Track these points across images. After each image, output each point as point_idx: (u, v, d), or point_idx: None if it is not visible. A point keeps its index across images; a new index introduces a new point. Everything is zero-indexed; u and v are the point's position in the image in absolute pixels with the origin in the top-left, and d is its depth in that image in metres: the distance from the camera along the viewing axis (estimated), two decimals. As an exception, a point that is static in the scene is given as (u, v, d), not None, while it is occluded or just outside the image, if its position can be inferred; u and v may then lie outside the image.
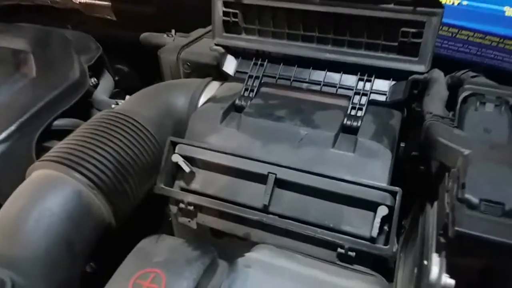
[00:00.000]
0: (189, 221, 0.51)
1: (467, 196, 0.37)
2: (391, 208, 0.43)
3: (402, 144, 0.62)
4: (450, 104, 0.54)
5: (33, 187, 0.46)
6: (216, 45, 0.59)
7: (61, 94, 0.62)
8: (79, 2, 1.03)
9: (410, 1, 0.47)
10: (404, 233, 0.59)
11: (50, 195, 0.45)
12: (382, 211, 0.43)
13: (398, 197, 0.43)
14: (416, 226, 0.54)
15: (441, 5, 0.46)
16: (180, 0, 0.88)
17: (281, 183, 0.46)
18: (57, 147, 0.50)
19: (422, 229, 0.49)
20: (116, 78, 1.10)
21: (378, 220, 0.43)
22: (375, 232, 0.42)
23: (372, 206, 0.43)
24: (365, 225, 0.44)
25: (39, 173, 0.47)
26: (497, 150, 0.42)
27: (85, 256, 0.47)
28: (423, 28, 0.48)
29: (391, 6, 0.48)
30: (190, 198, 0.49)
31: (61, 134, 0.58)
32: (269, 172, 0.46)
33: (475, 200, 0.37)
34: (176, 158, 0.50)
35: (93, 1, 1.02)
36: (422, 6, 0.47)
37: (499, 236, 0.34)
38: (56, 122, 0.61)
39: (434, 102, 0.51)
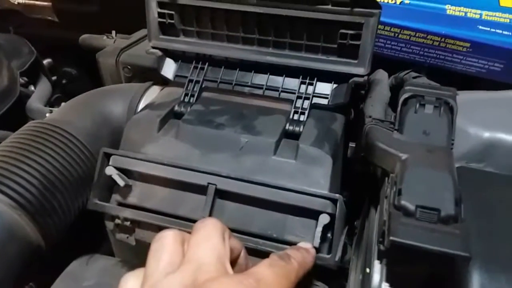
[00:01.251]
0: (127, 237, 0.48)
1: (403, 202, 0.36)
2: (332, 216, 0.42)
3: (352, 144, 0.62)
4: (394, 105, 0.54)
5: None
6: (153, 48, 0.56)
7: (-14, 104, 0.57)
8: (17, 3, 0.97)
9: (347, 2, 0.45)
10: (356, 235, 0.58)
11: (-35, 218, 0.41)
12: (324, 219, 0.41)
13: (339, 205, 0.41)
14: (364, 230, 0.54)
15: (378, 6, 0.45)
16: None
17: (221, 194, 0.45)
18: (-24, 164, 0.46)
19: (367, 235, 0.49)
20: (64, 81, 1.05)
21: (319, 229, 0.41)
22: (316, 242, 0.41)
23: (314, 215, 0.42)
24: (308, 234, 0.43)
25: (-45, 194, 0.43)
26: (434, 153, 0.42)
27: (12, 282, 0.44)
28: (361, 30, 0.47)
29: (329, 7, 0.46)
30: (127, 213, 0.47)
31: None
32: (208, 183, 0.44)
33: (411, 207, 0.36)
34: (110, 171, 0.47)
35: (33, 2, 0.96)
36: (359, 7, 0.45)
37: (433, 244, 0.33)
38: (-19, 135, 0.57)
39: (375, 105, 0.50)
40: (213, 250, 0.32)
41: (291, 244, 0.43)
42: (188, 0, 0.52)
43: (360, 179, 0.58)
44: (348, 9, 0.46)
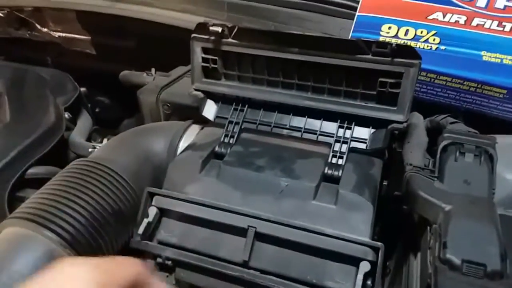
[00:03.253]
0: (167, 276, 0.49)
1: (449, 256, 0.37)
2: (373, 263, 0.42)
3: (385, 183, 0.62)
4: (430, 148, 0.54)
5: (2, 248, 0.44)
6: (196, 90, 0.58)
7: (35, 141, 0.60)
8: (58, 36, 1.01)
9: (388, 53, 0.47)
10: (389, 276, 0.58)
11: (20, 256, 0.43)
12: (365, 267, 0.42)
13: (380, 253, 0.42)
14: (399, 272, 0.54)
15: (418, 57, 0.46)
16: (159, 34, 0.87)
17: (261, 237, 0.45)
18: (28, 202, 0.48)
19: (406, 281, 0.48)
20: (97, 109, 1.09)
21: (360, 277, 0.42)
22: None
23: (354, 261, 0.42)
24: (348, 280, 0.43)
25: (8, 231, 0.45)
26: (477, 204, 0.42)
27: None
28: (401, 79, 0.48)
29: (369, 57, 0.48)
30: (168, 252, 0.48)
31: (36, 182, 0.56)
32: (249, 226, 0.45)
33: (457, 261, 0.37)
34: (152, 211, 0.48)
35: (73, 35, 1.01)
36: (399, 57, 0.47)
37: (484, 303, 0.33)
38: (30, 171, 0.59)
39: (414, 151, 0.50)
40: None
41: None
42: (231, 47, 0.54)
43: (393, 217, 0.58)
44: (389, 59, 0.47)
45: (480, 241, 0.38)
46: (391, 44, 0.46)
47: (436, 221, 0.42)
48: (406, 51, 0.46)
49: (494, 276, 0.36)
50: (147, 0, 0.86)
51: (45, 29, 1.00)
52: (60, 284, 0.27)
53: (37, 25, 1.00)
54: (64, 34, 1.02)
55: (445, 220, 0.40)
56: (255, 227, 0.45)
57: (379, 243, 0.42)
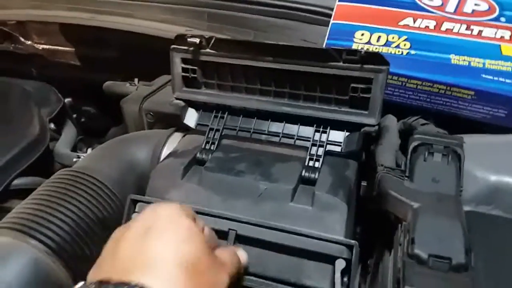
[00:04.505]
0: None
1: (416, 251, 0.39)
2: (348, 261, 0.44)
3: (364, 183, 0.64)
4: (404, 149, 0.56)
5: (-12, 257, 0.45)
6: (177, 99, 0.60)
7: (20, 152, 0.61)
8: (42, 48, 1.02)
9: (357, 59, 0.49)
10: (370, 275, 0.60)
11: (5, 265, 0.44)
12: (340, 264, 0.43)
13: (355, 251, 0.44)
14: (378, 269, 0.56)
15: (386, 63, 0.49)
16: (142, 44, 0.89)
17: (242, 239, 0.47)
18: (13, 212, 0.49)
19: (381, 279, 0.51)
20: (83, 119, 1.10)
21: (338, 274, 0.43)
22: (338, 287, 0.43)
23: (330, 260, 0.44)
24: (325, 278, 0.45)
25: (-6, 241, 0.46)
26: (444, 202, 0.44)
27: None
28: (371, 84, 0.50)
29: (340, 64, 0.50)
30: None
31: (21, 192, 0.57)
32: (229, 229, 0.47)
33: (424, 255, 0.39)
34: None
35: (56, 47, 1.02)
36: (368, 64, 0.49)
37: (445, 293, 0.35)
38: (15, 182, 0.60)
39: (386, 153, 0.53)
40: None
41: None
42: (210, 57, 0.56)
43: (372, 217, 0.61)
44: (358, 65, 0.50)
45: (445, 236, 0.40)
46: (360, 51, 0.49)
47: (406, 218, 0.44)
48: (375, 58, 0.49)
49: (459, 269, 0.38)
50: (127, 11, 0.88)
51: (29, 42, 1.01)
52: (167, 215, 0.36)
53: (20, 38, 1.01)
54: (47, 46, 1.03)
55: (414, 217, 0.42)
56: (236, 230, 0.46)
57: (353, 241, 0.44)
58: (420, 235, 0.40)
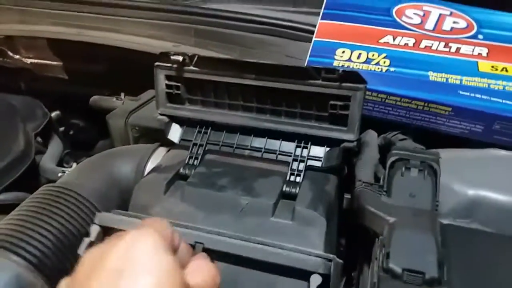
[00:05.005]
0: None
1: (391, 266, 0.40)
2: (325, 276, 0.41)
3: (348, 196, 0.65)
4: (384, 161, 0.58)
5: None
6: (161, 114, 0.61)
7: (4, 168, 0.61)
8: (30, 62, 1.03)
9: (336, 78, 0.50)
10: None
11: (-14, 282, 0.44)
12: (316, 280, 0.40)
13: (333, 266, 0.43)
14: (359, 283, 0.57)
15: (364, 81, 0.50)
16: (129, 59, 0.90)
17: (209, 253, 0.42)
18: (-5, 229, 0.49)
19: (360, 292, 0.51)
20: (71, 132, 1.10)
21: None
22: None
23: (305, 276, 0.41)
24: None
25: (-25, 258, 0.46)
26: (419, 217, 0.45)
27: None
28: (349, 101, 0.51)
29: (319, 82, 0.52)
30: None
31: (4, 208, 0.57)
32: (196, 242, 0.44)
33: (398, 270, 0.40)
34: (95, 229, 0.48)
35: (44, 61, 1.03)
36: (346, 82, 0.50)
37: (420, 307, 0.36)
38: (-2, 197, 0.61)
39: (364, 168, 0.54)
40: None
41: None
42: (193, 74, 0.57)
43: (356, 229, 0.61)
44: (337, 83, 0.51)
45: (419, 251, 0.41)
46: (338, 70, 0.50)
47: (382, 233, 0.45)
48: (352, 76, 0.50)
49: (432, 283, 0.39)
50: (114, 27, 0.89)
51: (17, 56, 1.02)
52: (135, 256, 0.30)
53: (9, 52, 1.01)
54: (35, 61, 1.03)
55: (389, 231, 0.43)
56: (203, 243, 0.43)
57: (331, 255, 0.43)
58: (395, 249, 0.41)
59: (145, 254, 0.30)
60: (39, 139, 0.74)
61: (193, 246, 0.43)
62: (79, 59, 0.97)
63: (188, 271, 0.34)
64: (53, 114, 0.96)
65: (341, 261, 0.43)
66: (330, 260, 0.42)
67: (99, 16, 0.93)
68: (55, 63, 1.02)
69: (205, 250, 0.43)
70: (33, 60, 1.03)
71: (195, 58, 0.56)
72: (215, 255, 0.43)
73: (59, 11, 0.95)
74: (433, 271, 0.39)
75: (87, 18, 0.94)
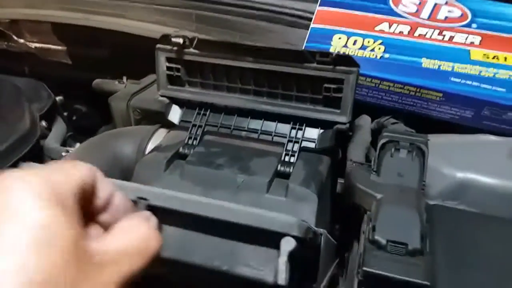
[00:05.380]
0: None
1: (376, 237, 0.42)
2: (299, 239, 0.34)
3: (341, 180, 0.68)
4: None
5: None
6: (162, 96, 0.63)
7: (10, 146, 0.64)
8: (35, 47, 1.05)
9: (329, 61, 0.53)
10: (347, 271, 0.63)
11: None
12: (287, 244, 0.33)
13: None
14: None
15: (356, 64, 0.52)
16: (131, 44, 0.92)
17: (156, 213, 0.35)
18: None
19: (350, 264, 0.54)
20: (74, 117, 1.13)
21: (283, 259, 0.32)
22: (281, 278, 0.32)
23: (275, 239, 0.34)
24: (267, 265, 0.35)
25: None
26: (406, 194, 0.48)
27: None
28: (343, 84, 0.54)
29: (314, 65, 0.54)
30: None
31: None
32: (138, 197, 0.35)
33: (383, 241, 0.42)
34: None
35: (48, 46, 1.05)
36: (340, 65, 0.53)
37: (399, 274, 0.39)
38: (4, 174, 0.63)
39: (356, 149, 0.56)
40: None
41: (245, 279, 0.36)
42: (193, 56, 0.59)
43: (349, 213, 0.64)
44: (331, 66, 0.53)
45: (403, 224, 0.43)
46: (332, 54, 0.52)
47: (370, 208, 0.47)
48: (346, 60, 0.52)
49: (414, 253, 0.41)
50: (119, 12, 0.91)
51: (22, 40, 1.04)
52: (5, 203, 0.23)
53: (14, 36, 1.03)
54: (40, 45, 1.05)
55: (376, 207, 0.46)
56: (147, 199, 0.35)
57: (304, 222, 0.37)
58: (381, 223, 0.43)
59: (16, 205, 0.23)
60: (43, 123, 0.77)
61: (135, 203, 0.34)
62: (82, 44, 0.99)
63: (112, 232, 0.29)
64: (57, 98, 0.98)
65: (325, 231, 0.45)
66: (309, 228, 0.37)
67: (103, 2, 0.95)
68: (59, 47, 1.04)
69: (152, 209, 0.35)
70: (37, 45, 1.06)
71: (195, 41, 0.58)
72: (169, 217, 0.36)
73: (64, -4, 0.97)
74: (415, 243, 0.41)
75: (92, 4, 0.96)
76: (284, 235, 0.34)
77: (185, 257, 0.37)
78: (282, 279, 0.32)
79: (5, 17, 1.02)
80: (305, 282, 0.46)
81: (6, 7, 1.02)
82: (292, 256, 0.33)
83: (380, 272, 0.39)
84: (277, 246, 0.33)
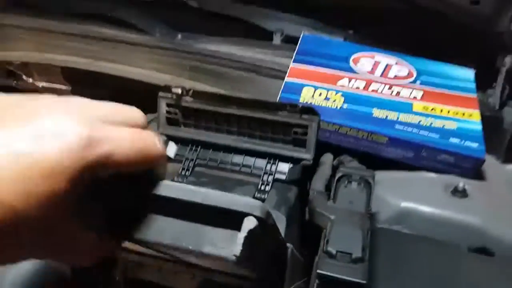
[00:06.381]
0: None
1: (329, 248, 0.55)
2: (261, 220, 0.35)
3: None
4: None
5: None
6: (161, 134, 0.76)
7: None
8: (42, 86, 1.18)
9: (297, 110, 0.67)
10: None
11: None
12: (249, 222, 0.34)
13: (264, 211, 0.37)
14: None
15: (318, 114, 0.67)
16: (131, 87, 1.05)
17: None
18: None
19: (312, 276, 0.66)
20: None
21: (243, 234, 0.34)
22: (237, 249, 0.34)
23: (240, 222, 0.35)
24: (231, 245, 0.35)
25: None
26: (354, 216, 0.61)
27: None
28: (307, 129, 0.68)
29: (285, 113, 0.68)
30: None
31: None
32: None
33: (333, 251, 0.54)
34: None
35: (54, 85, 1.17)
36: (305, 114, 0.67)
37: (343, 274, 0.51)
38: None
39: (319, 180, 0.70)
40: None
41: (210, 257, 0.36)
42: (189, 103, 0.73)
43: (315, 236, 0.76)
44: (298, 115, 0.68)
45: (350, 238, 0.56)
46: (299, 105, 0.67)
47: (326, 227, 0.60)
48: (309, 110, 0.67)
49: (356, 261, 0.54)
50: (120, 59, 1.05)
51: (30, 80, 1.16)
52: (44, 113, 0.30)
53: (23, 76, 1.16)
54: (46, 84, 1.18)
55: (330, 225, 0.59)
56: None
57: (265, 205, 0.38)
58: (333, 237, 0.56)
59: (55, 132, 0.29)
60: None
61: None
62: (86, 85, 1.12)
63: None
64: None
65: (291, 246, 0.57)
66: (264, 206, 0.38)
67: (106, 50, 1.09)
68: (64, 87, 1.17)
69: None
70: (44, 84, 1.18)
71: (191, 91, 0.72)
72: None
73: (73, 42, 1.11)
74: (357, 252, 0.54)
75: (96, 51, 1.10)
76: (247, 214, 0.35)
77: (154, 238, 0.37)
78: (237, 250, 0.34)
79: (16, 59, 1.14)
80: None
81: (19, 50, 1.15)
82: (251, 234, 0.34)
83: (331, 274, 0.51)
84: (238, 227, 0.35)
